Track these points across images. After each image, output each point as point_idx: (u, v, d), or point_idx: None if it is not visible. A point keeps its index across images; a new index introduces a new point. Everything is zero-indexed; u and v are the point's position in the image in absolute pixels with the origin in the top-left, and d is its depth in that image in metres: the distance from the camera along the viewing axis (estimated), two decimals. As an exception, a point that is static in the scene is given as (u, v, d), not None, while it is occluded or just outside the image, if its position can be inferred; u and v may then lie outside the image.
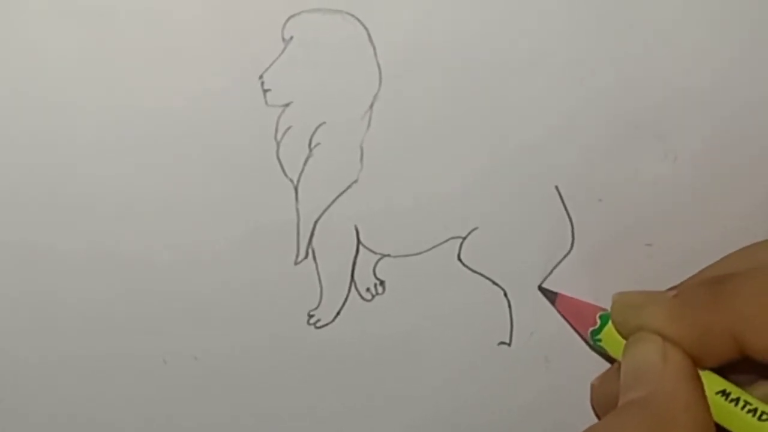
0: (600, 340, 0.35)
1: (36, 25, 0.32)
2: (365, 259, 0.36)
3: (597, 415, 0.37)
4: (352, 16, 0.34)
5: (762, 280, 0.30)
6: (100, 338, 0.35)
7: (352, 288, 0.36)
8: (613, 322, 0.34)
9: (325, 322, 0.36)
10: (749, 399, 0.31)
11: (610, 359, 0.36)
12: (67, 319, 0.35)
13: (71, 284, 0.34)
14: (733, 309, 0.30)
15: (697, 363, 0.31)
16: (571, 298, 0.36)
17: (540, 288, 0.37)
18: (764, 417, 0.31)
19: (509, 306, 0.37)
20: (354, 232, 0.36)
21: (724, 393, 0.31)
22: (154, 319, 0.35)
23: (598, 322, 0.35)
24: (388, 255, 0.36)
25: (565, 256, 0.37)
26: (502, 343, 0.37)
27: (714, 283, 0.31)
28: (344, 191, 0.35)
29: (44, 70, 0.33)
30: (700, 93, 0.37)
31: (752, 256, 0.34)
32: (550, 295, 0.37)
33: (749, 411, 0.31)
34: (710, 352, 0.31)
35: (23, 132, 0.33)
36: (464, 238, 0.36)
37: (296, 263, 0.35)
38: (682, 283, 0.35)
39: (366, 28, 0.34)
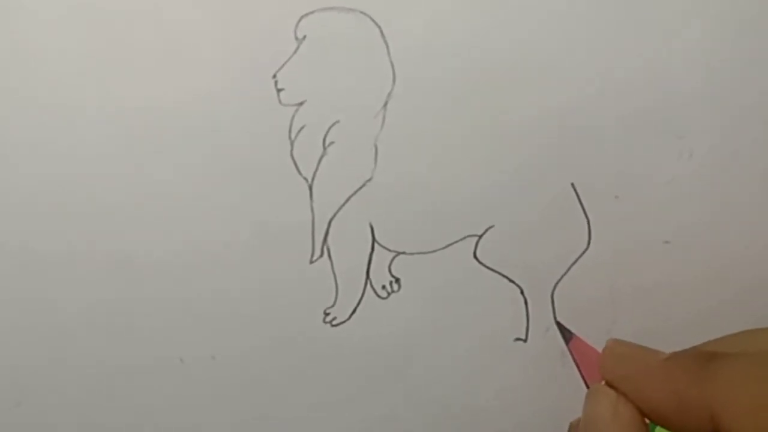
0: None
1: (49, 30, 0.33)
2: (380, 256, 0.36)
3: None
4: (365, 14, 0.34)
5: (748, 365, 0.30)
6: (118, 338, 0.35)
7: (368, 286, 0.36)
8: (600, 368, 0.33)
9: (340, 320, 0.36)
10: None
11: None
12: (85, 320, 0.35)
13: (90, 286, 0.34)
14: (715, 388, 0.30)
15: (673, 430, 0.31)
16: (587, 345, 0.35)
17: (557, 323, 0.35)
18: None
19: (525, 303, 0.37)
20: (369, 230, 0.36)
21: None
22: (170, 318, 0.35)
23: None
24: (404, 252, 0.36)
25: (582, 254, 0.37)
26: (518, 339, 0.37)
27: (704, 358, 0.31)
28: (359, 189, 0.35)
29: (54, 74, 0.33)
30: (717, 91, 0.36)
31: (753, 340, 0.33)
32: (567, 334, 0.35)
33: None
34: (687, 425, 0.31)
35: (42, 137, 0.33)
36: (480, 236, 0.36)
37: (311, 262, 0.35)
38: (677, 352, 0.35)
39: (379, 26, 0.34)
